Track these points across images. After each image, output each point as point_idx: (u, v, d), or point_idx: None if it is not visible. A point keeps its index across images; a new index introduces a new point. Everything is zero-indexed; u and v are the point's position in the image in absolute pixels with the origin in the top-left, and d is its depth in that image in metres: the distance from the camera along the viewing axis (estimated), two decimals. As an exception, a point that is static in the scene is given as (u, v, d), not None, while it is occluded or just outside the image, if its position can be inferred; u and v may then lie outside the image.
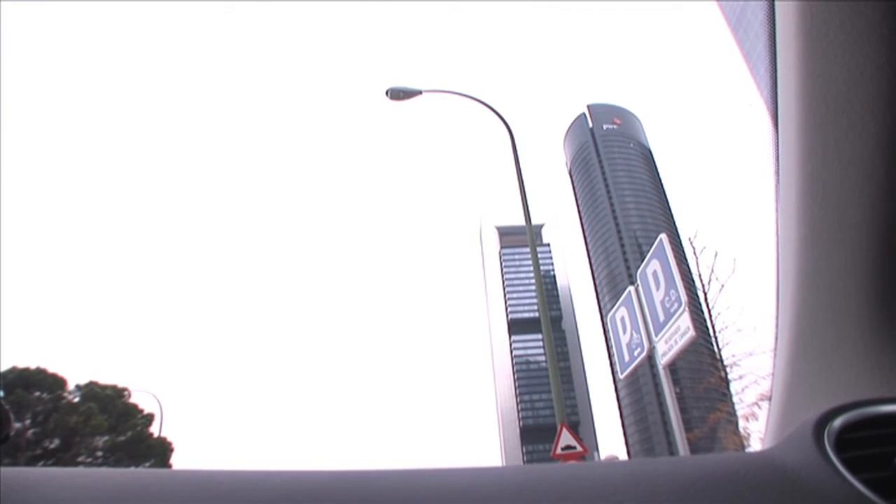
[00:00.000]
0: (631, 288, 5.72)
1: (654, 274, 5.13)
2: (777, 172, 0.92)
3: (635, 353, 5.61)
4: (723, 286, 16.03)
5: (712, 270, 16.24)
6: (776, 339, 1.05)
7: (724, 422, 17.97)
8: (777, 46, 0.82)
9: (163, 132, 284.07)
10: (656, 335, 5.13)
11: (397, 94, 11.76)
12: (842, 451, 0.69)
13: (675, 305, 4.73)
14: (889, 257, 0.80)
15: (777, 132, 0.89)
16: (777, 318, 1.04)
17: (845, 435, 0.72)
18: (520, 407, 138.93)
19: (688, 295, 4.67)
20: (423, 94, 11.90)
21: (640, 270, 5.48)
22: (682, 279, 4.77)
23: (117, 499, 0.62)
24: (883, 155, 0.73)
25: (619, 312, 6.01)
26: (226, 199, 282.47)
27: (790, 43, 0.77)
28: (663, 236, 5.18)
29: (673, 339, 4.80)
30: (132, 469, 0.69)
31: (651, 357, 5.35)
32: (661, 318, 5.00)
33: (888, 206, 0.76)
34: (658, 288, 5.06)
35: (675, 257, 4.93)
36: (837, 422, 0.73)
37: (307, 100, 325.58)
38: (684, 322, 4.60)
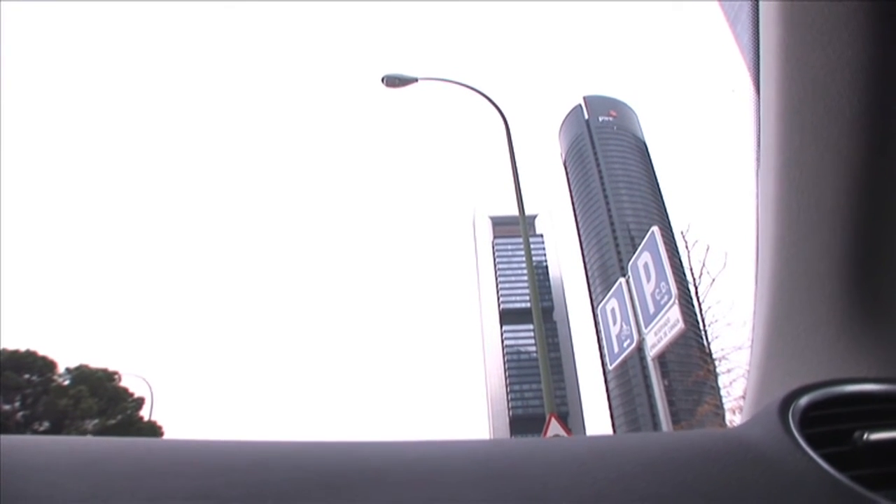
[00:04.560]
0: (622, 280, 5.75)
1: (646, 266, 5.15)
2: (757, 158, 0.94)
3: (625, 345, 5.64)
4: (714, 280, 16.13)
5: (703, 264, 16.33)
6: (754, 321, 1.08)
7: (711, 415, 18.11)
8: (760, 33, 0.83)
9: (148, 117, 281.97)
10: (646, 327, 5.17)
11: (393, 82, 11.70)
12: (806, 428, 0.71)
13: (665, 298, 4.76)
14: (863, 241, 0.83)
15: (759, 118, 0.91)
16: (755, 300, 1.06)
17: (811, 413, 0.74)
18: (510, 396, 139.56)
19: (678, 288, 4.71)
20: (419, 81, 11.85)
21: (631, 262, 5.50)
22: (673, 272, 4.80)
23: (111, 465, 0.63)
24: (858, 139, 0.75)
25: (610, 304, 6.04)
26: (213, 183, 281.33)
27: (772, 30, 0.78)
28: (655, 229, 5.21)
29: (662, 331, 4.83)
30: (125, 438, 0.71)
31: (641, 349, 5.38)
32: (651, 310, 5.04)
33: (862, 190, 0.79)
34: (649, 280, 5.09)
35: (667, 250, 4.97)
36: (803, 400, 0.75)
37: (300, 88, 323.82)
38: (674, 314, 4.64)
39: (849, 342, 0.86)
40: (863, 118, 0.74)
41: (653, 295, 5.00)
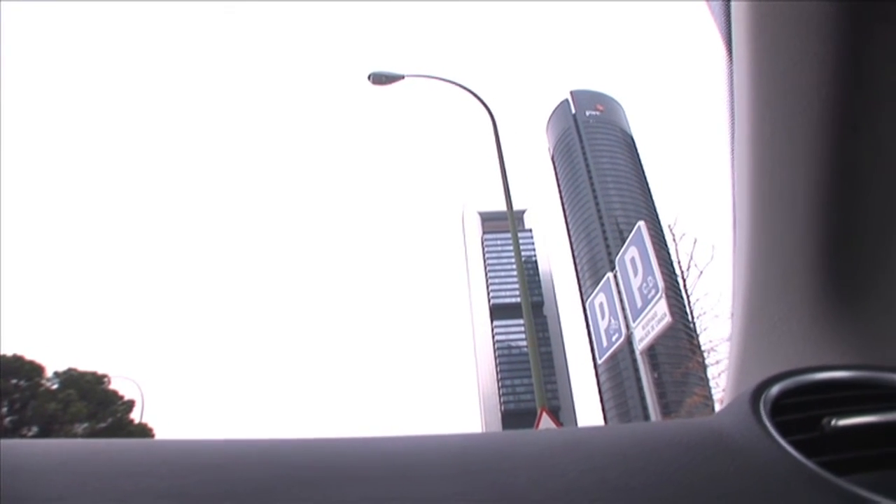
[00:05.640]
0: (610, 274, 5.79)
1: (633, 260, 5.19)
2: (732, 151, 0.95)
3: (613, 339, 5.68)
4: (701, 273, 16.24)
5: (691, 257, 16.43)
6: (732, 312, 1.09)
7: (701, 406, 18.26)
8: (731, 30, 0.84)
9: (138, 118, 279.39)
10: (634, 321, 5.20)
11: (379, 79, 11.68)
12: (777, 416, 0.71)
13: (653, 292, 4.80)
14: (834, 231, 0.84)
15: (732, 112, 0.92)
16: (733, 292, 1.07)
17: (782, 401, 0.74)
18: (501, 391, 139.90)
19: (665, 281, 4.74)
20: (406, 78, 11.83)
21: (618, 257, 5.53)
22: (660, 266, 4.83)
23: (83, 466, 0.63)
24: (826, 134, 0.76)
25: (598, 298, 6.08)
26: (202, 181, 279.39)
27: (742, 26, 0.79)
28: (641, 223, 5.24)
29: (650, 324, 4.87)
30: (101, 440, 0.71)
31: (630, 342, 5.42)
32: (639, 304, 5.07)
33: (832, 182, 0.80)
34: (636, 274, 5.12)
35: (654, 244, 5.00)
36: (775, 389, 0.76)
37: (288, 86, 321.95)
38: (661, 308, 4.67)
39: (822, 330, 0.88)
40: (831, 113, 0.74)
41: (640, 289, 5.03)
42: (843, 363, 0.82)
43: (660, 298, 4.68)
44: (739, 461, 0.65)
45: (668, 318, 4.58)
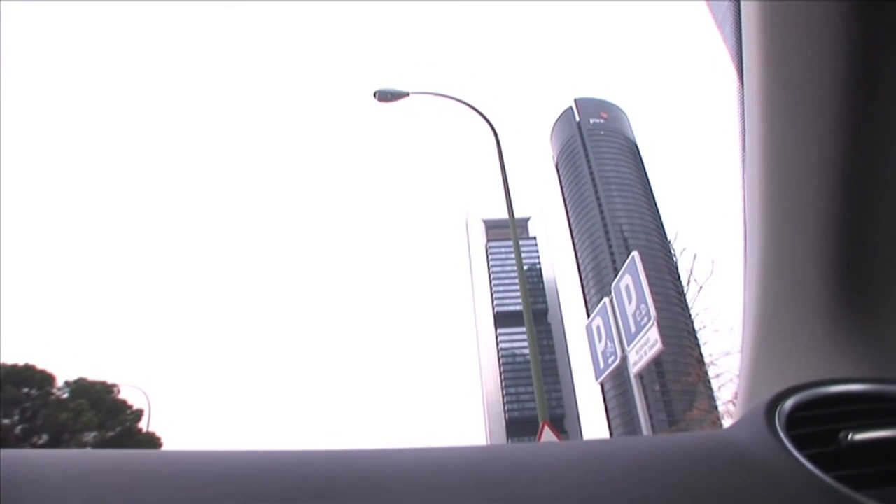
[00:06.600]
0: (606, 300, 6.06)
1: (627, 288, 5.47)
2: (743, 161, 0.95)
3: (609, 361, 5.96)
4: (700, 287, 16.41)
5: (691, 272, 16.61)
6: (743, 323, 1.09)
7: (702, 417, 18.36)
8: (742, 35, 0.85)
9: (141, 125, 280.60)
10: (628, 345, 5.47)
11: (385, 96, 11.86)
12: (793, 429, 0.71)
13: (645, 319, 5.07)
14: (847, 242, 0.84)
15: (743, 121, 0.92)
16: (743, 303, 1.08)
17: (797, 414, 0.74)
18: (506, 399, 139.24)
19: (657, 309, 5.01)
20: (410, 95, 12.06)
21: (613, 284, 5.82)
22: (652, 294, 5.09)
23: (104, 478, 0.64)
24: (839, 142, 0.76)
25: (595, 322, 6.36)
26: (209, 193, 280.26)
27: (753, 32, 0.80)
28: (635, 253, 5.53)
29: (643, 349, 5.15)
30: (120, 450, 0.72)
31: (625, 364, 5.68)
32: (633, 329, 5.35)
33: (846, 191, 0.80)
34: (630, 301, 5.40)
35: (647, 274, 5.27)
36: (789, 402, 0.75)
37: (298, 96, 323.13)
38: (653, 335, 4.95)
39: (836, 342, 0.87)
40: (842, 124, 0.74)
41: (634, 315, 5.31)
42: (858, 376, 0.82)
43: (651, 325, 4.96)
44: (756, 475, 0.65)
45: (659, 345, 4.85)
